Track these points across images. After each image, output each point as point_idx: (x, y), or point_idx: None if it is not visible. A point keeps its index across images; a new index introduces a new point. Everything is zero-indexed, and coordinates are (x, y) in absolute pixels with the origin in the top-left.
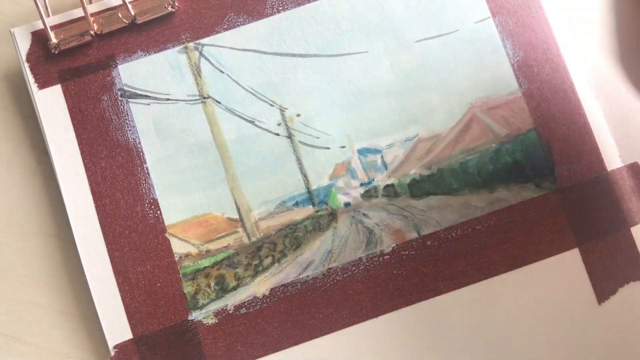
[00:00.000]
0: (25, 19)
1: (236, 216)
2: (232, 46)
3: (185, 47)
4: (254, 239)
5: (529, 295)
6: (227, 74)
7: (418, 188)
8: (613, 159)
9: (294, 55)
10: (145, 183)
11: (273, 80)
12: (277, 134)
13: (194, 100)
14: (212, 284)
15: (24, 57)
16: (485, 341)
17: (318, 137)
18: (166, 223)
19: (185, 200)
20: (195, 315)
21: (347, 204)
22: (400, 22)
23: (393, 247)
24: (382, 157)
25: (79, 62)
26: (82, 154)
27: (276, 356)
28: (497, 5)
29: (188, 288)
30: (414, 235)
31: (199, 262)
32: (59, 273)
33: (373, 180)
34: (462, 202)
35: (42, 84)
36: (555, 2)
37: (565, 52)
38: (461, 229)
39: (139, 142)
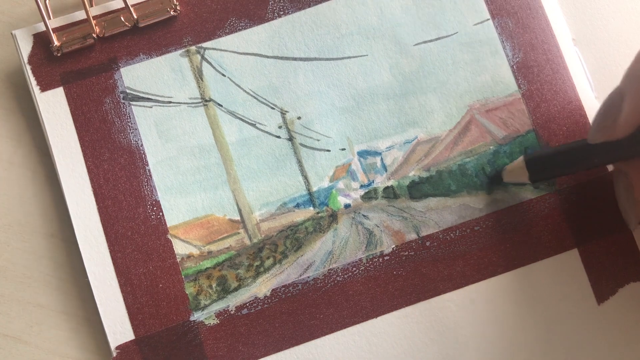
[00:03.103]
0: (26, 19)
1: (237, 217)
2: (233, 50)
3: (187, 51)
4: (255, 240)
5: (528, 296)
6: (228, 77)
7: (417, 190)
8: None
9: (294, 59)
10: (148, 185)
11: (274, 84)
12: (278, 137)
13: (195, 103)
14: (214, 285)
15: (25, 60)
16: (485, 341)
17: (318, 140)
18: (168, 224)
19: (187, 201)
20: (197, 316)
21: (347, 206)
22: (399, 25)
23: (393, 248)
24: (381, 159)
25: (81, 65)
26: (84, 156)
27: (277, 356)
28: (496, 6)
29: (190, 289)
30: (414, 236)
31: (201, 263)
32: (60, 273)
33: (373, 182)
34: (460, 204)
35: (44, 87)
36: (555, 3)
37: (566, 52)
38: (460, 229)
39: (141, 145)
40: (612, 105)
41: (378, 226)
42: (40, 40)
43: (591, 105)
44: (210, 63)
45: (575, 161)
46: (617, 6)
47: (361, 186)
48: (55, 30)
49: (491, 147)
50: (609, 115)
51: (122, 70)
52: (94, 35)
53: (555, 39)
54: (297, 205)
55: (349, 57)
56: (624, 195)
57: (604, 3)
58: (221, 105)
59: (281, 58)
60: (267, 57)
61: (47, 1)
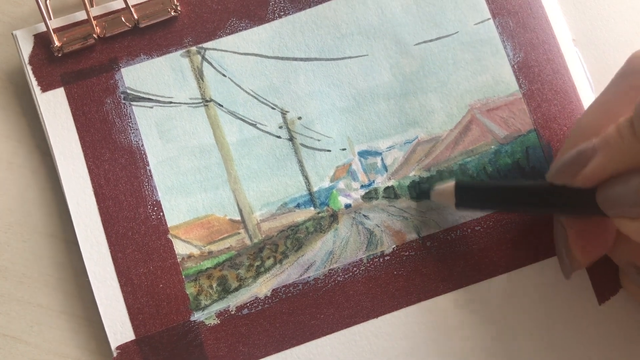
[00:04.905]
0: (26, 19)
1: (238, 218)
2: (234, 50)
3: (188, 51)
4: (255, 240)
5: (529, 296)
6: (229, 78)
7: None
8: None
9: (295, 59)
10: (148, 185)
11: (275, 84)
12: (279, 137)
13: (196, 103)
14: (215, 285)
15: (26, 60)
16: (485, 342)
17: (319, 140)
18: (169, 224)
19: (188, 202)
20: (197, 316)
21: (347, 206)
22: (399, 25)
23: (393, 248)
24: (382, 159)
25: (82, 65)
26: (85, 157)
27: (278, 356)
28: (497, 6)
29: (190, 289)
30: (414, 236)
31: (202, 263)
32: (60, 273)
33: (373, 182)
34: None
35: (45, 87)
36: (556, 3)
37: (566, 52)
38: (460, 230)
39: (142, 145)
40: (581, 157)
41: (379, 226)
42: (41, 40)
43: None
44: (210, 63)
45: (505, 203)
46: (617, 6)
47: (362, 186)
48: (55, 30)
49: (492, 147)
50: (575, 165)
51: (122, 70)
52: (95, 36)
53: (555, 39)
54: (298, 205)
55: (350, 57)
56: (560, 242)
57: (604, 3)
58: (222, 106)
59: (282, 58)
60: (268, 57)
61: (47, 1)
